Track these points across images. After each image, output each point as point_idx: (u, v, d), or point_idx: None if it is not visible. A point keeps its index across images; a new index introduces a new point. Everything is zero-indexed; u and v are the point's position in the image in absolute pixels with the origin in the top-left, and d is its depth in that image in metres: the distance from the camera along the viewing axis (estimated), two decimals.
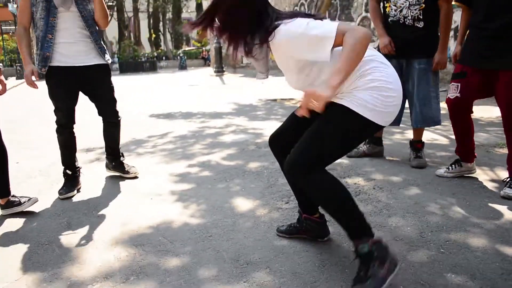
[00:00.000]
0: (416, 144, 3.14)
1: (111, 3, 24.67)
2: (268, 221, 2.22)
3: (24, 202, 2.47)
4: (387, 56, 2.66)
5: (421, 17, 2.88)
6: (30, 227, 2.30)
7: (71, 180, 2.82)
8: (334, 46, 1.47)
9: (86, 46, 2.71)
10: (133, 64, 22.91)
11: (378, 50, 2.97)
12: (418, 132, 3.16)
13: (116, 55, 25.06)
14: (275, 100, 7.48)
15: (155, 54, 27.14)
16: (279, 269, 1.75)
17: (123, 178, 3.06)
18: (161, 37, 29.80)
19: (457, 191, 2.54)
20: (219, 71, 15.03)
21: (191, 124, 5.30)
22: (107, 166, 3.14)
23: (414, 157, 3.10)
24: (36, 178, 3.18)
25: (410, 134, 3.52)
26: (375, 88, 1.55)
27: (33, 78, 2.63)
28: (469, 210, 2.26)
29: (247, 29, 1.59)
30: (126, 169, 3.08)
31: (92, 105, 2.91)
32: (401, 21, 2.94)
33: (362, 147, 3.34)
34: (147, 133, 4.76)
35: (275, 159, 1.98)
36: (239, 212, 2.38)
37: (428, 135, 3.87)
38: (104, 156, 3.17)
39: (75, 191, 2.78)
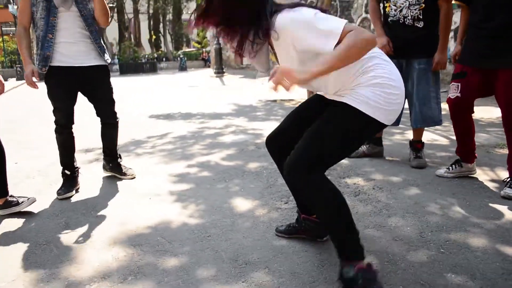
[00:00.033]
0: (416, 144, 3.13)
1: (111, 5, 24.69)
2: (267, 221, 2.21)
3: (22, 202, 2.46)
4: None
5: (421, 17, 2.88)
6: (28, 227, 2.29)
7: (70, 180, 2.81)
8: (337, 44, 1.42)
9: (86, 47, 2.71)
10: (133, 66, 22.89)
11: None
12: (418, 132, 3.15)
13: (116, 57, 25.05)
14: (275, 100, 7.47)
15: (155, 55, 27.13)
16: (278, 269, 1.74)
17: (122, 179, 3.05)
18: (161, 39, 29.79)
19: (457, 191, 2.53)
20: (219, 72, 15.02)
21: (191, 125, 5.30)
22: (104, 167, 3.13)
23: (414, 157, 3.09)
24: (35, 178, 3.18)
25: (410, 135, 3.51)
26: (377, 84, 1.52)
27: (34, 78, 2.62)
28: (469, 210, 2.25)
29: (250, 21, 1.53)
30: (123, 171, 3.07)
31: (91, 105, 2.91)
32: (401, 21, 2.93)
33: (362, 147, 3.33)
34: (146, 134, 4.75)
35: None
36: (238, 212, 2.37)
37: (428, 136, 3.86)
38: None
39: (74, 191, 2.77)
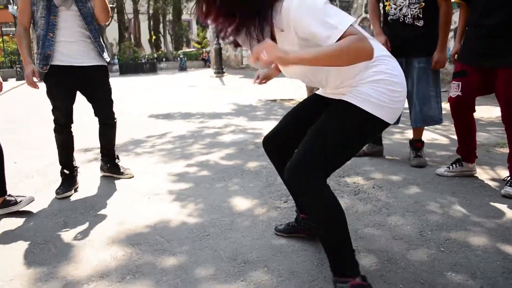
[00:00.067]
0: (416, 143, 3.13)
1: (111, 5, 24.69)
2: (266, 220, 2.20)
3: (21, 201, 2.46)
4: None
5: (421, 15, 2.87)
6: (27, 227, 2.28)
7: (69, 179, 2.80)
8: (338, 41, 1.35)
9: (85, 46, 2.71)
10: (133, 66, 22.89)
11: None
12: (417, 132, 3.14)
13: (116, 57, 25.06)
14: (274, 100, 7.46)
15: (155, 55, 27.12)
16: (277, 268, 1.73)
17: (120, 178, 3.04)
18: (161, 39, 29.78)
19: (457, 190, 2.52)
20: (219, 72, 15.02)
21: (190, 125, 5.29)
22: (102, 168, 3.12)
23: (414, 156, 3.08)
24: (34, 178, 3.17)
25: (409, 134, 3.51)
26: (380, 81, 1.45)
27: (34, 78, 2.62)
28: (470, 208, 2.25)
29: (253, 11, 1.44)
30: (121, 171, 3.06)
31: (90, 105, 2.90)
32: (400, 20, 2.92)
33: None
34: (145, 133, 4.75)
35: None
36: (237, 211, 2.36)
37: (428, 135, 3.85)
38: None
39: (73, 191, 2.76)
